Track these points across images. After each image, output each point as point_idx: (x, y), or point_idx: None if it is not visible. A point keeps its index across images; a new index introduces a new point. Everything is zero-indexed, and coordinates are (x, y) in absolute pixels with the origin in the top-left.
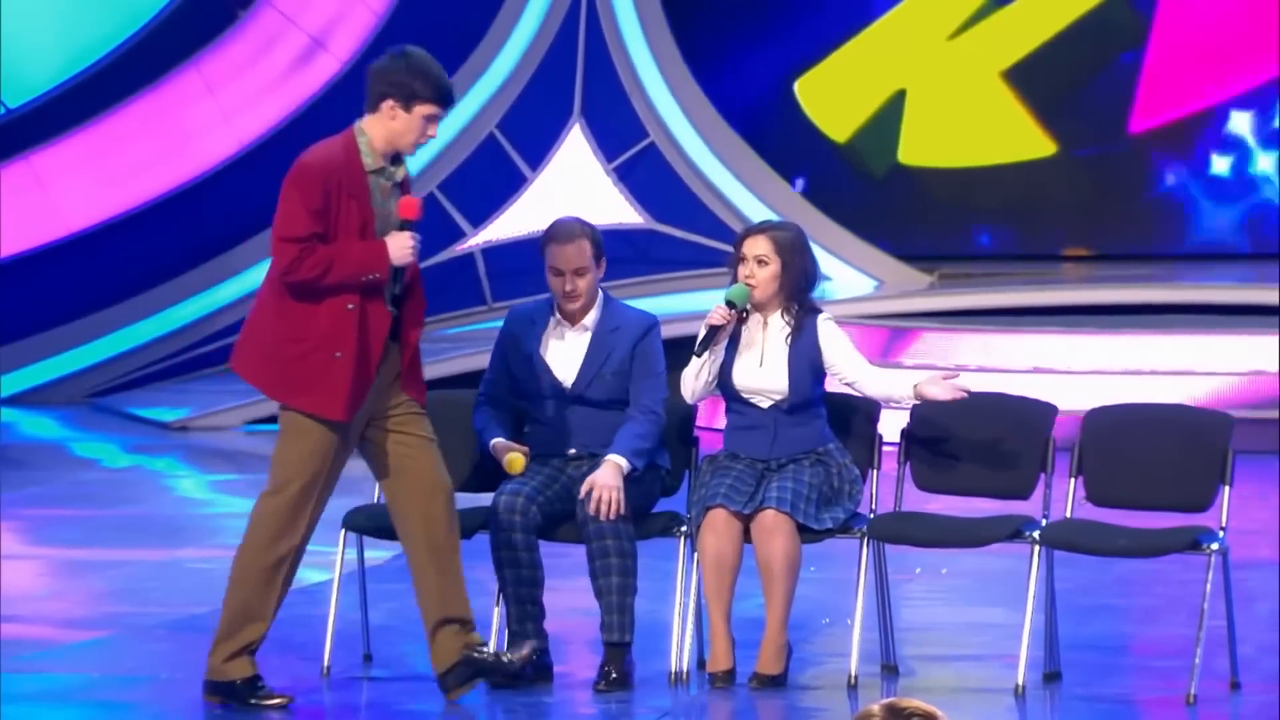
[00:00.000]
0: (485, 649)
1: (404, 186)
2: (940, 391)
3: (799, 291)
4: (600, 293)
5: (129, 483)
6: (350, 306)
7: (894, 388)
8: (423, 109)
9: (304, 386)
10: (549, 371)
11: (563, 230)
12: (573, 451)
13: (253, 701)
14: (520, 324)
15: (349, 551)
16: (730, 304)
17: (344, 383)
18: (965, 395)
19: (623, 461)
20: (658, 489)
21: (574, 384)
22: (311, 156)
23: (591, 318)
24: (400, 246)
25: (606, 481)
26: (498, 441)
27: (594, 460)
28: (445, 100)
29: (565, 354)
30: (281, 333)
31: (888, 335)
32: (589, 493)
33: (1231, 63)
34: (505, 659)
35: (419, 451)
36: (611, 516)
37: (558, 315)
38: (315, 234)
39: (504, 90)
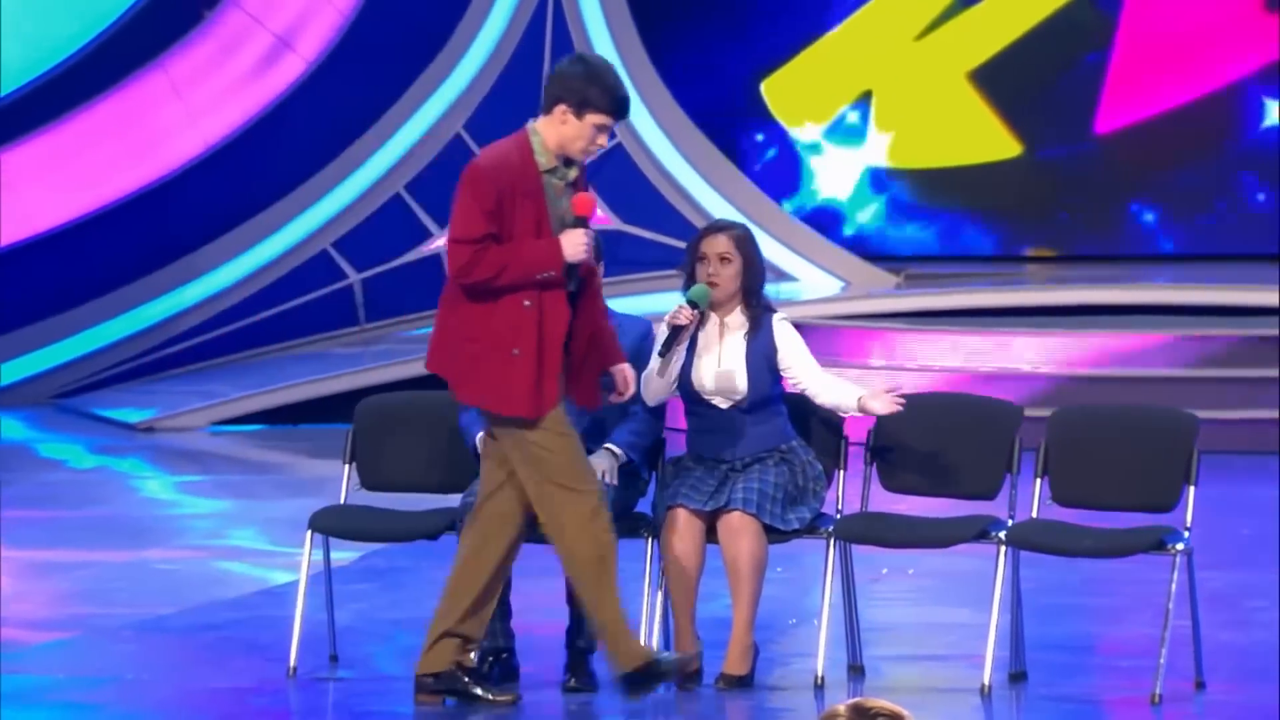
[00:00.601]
0: (470, 676)
1: (578, 185)
2: (880, 406)
3: (757, 289)
4: None
5: (94, 484)
6: (527, 304)
7: (841, 397)
8: (594, 118)
9: (486, 386)
10: None
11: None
12: None
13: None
14: None
15: (315, 553)
16: (693, 304)
17: (524, 380)
18: (901, 408)
19: (619, 451)
20: (635, 499)
21: None
22: (484, 158)
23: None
24: (574, 243)
25: (601, 463)
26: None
27: None
28: (618, 112)
29: None
30: (460, 332)
31: (856, 336)
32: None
33: (1197, 64)
34: (480, 694)
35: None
36: (610, 482)
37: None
38: (489, 234)
39: (470, 91)
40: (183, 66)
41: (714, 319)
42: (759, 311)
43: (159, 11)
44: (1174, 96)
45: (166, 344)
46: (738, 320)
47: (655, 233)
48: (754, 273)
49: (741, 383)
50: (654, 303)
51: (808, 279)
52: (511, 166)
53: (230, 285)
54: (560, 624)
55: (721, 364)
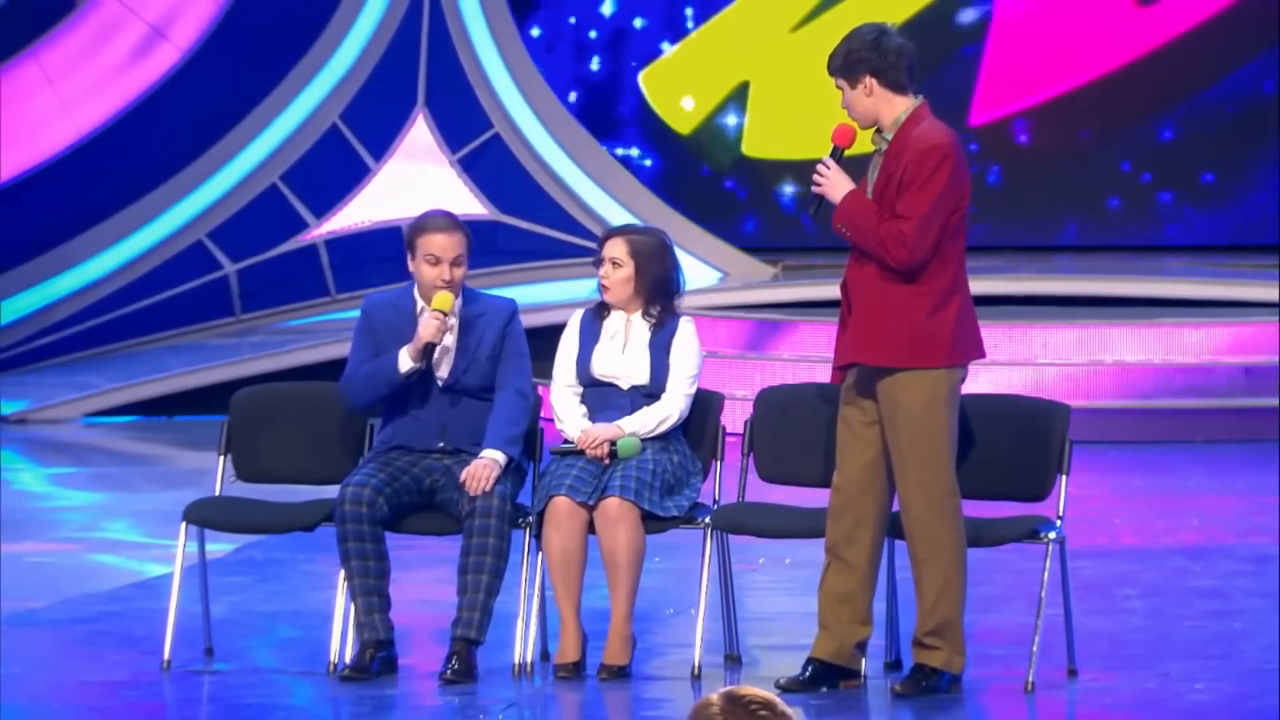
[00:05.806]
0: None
1: (887, 155)
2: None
3: (657, 295)
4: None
5: None
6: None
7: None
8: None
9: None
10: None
11: (441, 219)
12: (442, 445)
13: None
14: (384, 311)
15: (190, 545)
16: (613, 453)
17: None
18: (599, 455)
19: (499, 456)
20: (517, 490)
21: (449, 374)
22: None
23: (456, 305)
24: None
25: (484, 464)
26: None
27: (458, 455)
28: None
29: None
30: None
31: (734, 326)
32: (468, 483)
33: (1070, 58)
34: None
35: None
36: (487, 489)
37: (423, 303)
38: None
39: (347, 80)
40: (55, 55)
41: (622, 315)
42: (665, 314)
43: (31, 0)
44: (1047, 90)
45: (39, 334)
46: (642, 319)
47: (532, 223)
48: (650, 280)
49: (644, 371)
50: (531, 293)
51: (686, 270)
52: None
53: (104, 275)
54: (439, 616)
55: (625, 351)
